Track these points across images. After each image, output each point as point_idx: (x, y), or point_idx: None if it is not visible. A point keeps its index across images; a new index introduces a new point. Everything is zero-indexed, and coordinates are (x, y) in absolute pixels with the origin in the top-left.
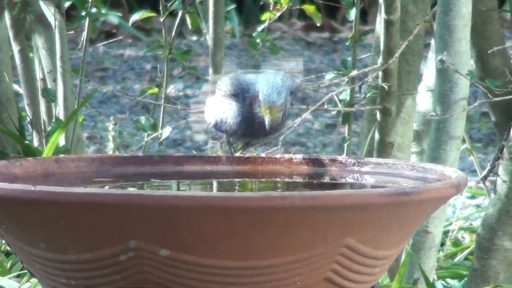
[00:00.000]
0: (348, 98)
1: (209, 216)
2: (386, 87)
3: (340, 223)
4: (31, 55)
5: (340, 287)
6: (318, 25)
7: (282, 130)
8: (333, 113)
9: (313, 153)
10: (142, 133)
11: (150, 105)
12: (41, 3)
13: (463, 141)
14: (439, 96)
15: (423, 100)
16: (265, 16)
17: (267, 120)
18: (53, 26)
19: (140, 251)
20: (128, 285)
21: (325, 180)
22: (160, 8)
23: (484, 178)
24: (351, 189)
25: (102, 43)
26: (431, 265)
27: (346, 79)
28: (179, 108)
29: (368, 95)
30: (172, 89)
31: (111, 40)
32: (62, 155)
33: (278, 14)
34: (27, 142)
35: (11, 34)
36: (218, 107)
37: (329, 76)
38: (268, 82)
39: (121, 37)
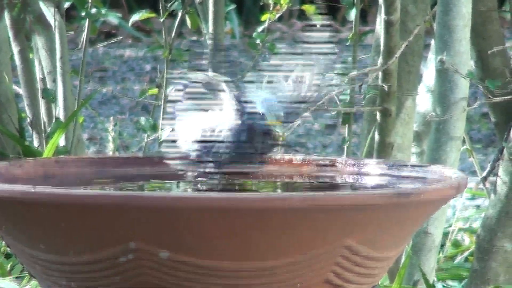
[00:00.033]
0: (348, 98)
1: (209, 217)
2: (386, 87)
3: (340, 224)
4: (31, 55)
5: None
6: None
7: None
8: (333, 113)
9: (313, 154)
10: (142, 134)
11: (150, 106)
12: (41, 4)
13: (463, 141)
14: (439, 96)
15: (423, 100)
16: (265, 16)
17: (275, 130)
18: (53, 27)
19: (140, 253)
20: (128, 286)
21: (325, 181)
22: (160, 8)
23: (484, 179)
24: (351, 190)
25: (102, 44)
26: (431, 266)
27: (346, 79)
28: None
29: (368, 95)
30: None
31: (111, 41)
32: (62, 156)
33: (278, 14)
34: (27, 143)
35: (11, 35)
36: (202, 120)
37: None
38: (268, 95)
39: (121, 38)
